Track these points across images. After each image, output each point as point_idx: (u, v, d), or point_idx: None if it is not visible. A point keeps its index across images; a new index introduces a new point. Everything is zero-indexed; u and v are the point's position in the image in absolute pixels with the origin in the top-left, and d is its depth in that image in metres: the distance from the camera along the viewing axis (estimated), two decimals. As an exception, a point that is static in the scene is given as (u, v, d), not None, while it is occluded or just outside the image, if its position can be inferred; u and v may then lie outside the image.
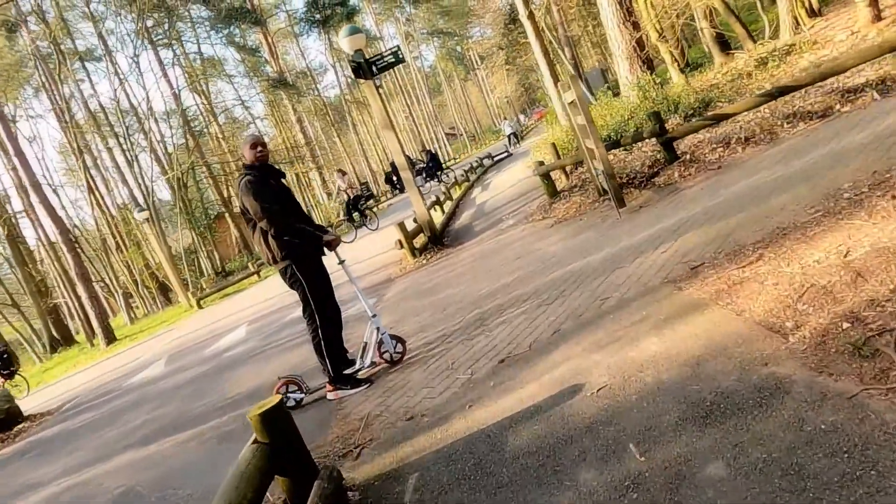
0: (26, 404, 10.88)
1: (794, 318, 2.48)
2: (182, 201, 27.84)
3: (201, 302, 18.60)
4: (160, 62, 29.73)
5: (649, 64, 12.52)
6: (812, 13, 11.42)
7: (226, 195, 30.62)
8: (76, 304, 23.88)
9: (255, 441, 2.36)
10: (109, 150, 29.97)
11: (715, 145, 6.49)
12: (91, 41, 30.43)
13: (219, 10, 33.03)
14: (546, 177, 8.72)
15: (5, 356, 13.13)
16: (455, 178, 20.28)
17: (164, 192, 33.44)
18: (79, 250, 23.81)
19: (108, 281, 31.11)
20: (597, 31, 30.22)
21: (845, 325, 2.24)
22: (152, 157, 28.88)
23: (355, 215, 15.91)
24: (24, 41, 27.00)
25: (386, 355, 4.23)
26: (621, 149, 8.10)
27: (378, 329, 4.18)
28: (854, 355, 2.06)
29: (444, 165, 28.07)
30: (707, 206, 4.75)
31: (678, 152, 6.75)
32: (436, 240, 8.96)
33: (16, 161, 20.21)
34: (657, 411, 2.26)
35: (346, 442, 3.28)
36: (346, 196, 16.24)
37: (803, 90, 6.42)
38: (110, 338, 19.09)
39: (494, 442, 2.58)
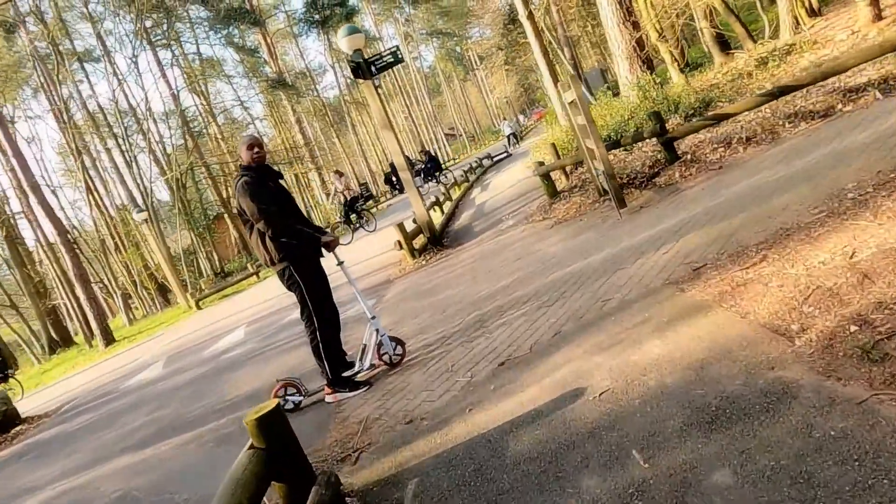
0: (24, 406, 10.83)
1: (799, 320, 2.44)
2: (181, 202, 27.78)
3: (200, 303, 18.55)
4: (159, 63, 29.67)
5: (649, 64, 12.49)
6: (812, 13, 11.39)
7: (225, 196, 30.54)
8: (75, 305, 23.83)
9: (252, 446, 2.32)
10: (108, 150, 29.87)
11: (716, 145, 6.46)
12: (90, 42, 30.40)
13: (217, 10, 32.97)
14: (546, 177, 8.68)
15: (0, 359, 13.08)
16: (454, 178, 20.24)
17: (162, 193, 33.38)
18: (77, 251, 23.77)
19: (106, 282, 31.07)
20: (596, 31, 30.17)
21: (853, 328, 2.20)
22: (151, 157, 28.85)
23: (352, 217, 15.87)
24: (22, 42, 26.97)
25: (385, 357, 4.19)
26: (621, 149, 8.07)
27: (377, 331, 4.14)
28: (863, 359, 2.02)
29: (443, 166, 28.03)
30: (708, 206, 4.71)
31: (679, 152, 6.72)
32: (435, 241, 8.92)
33: (14, 162, 20.14)
34: (661, 416, 2.22)
35: (345, 446, 3.24)
36: (342, 197, 16.19)
37: (804, 90, 6.39)
38: (109, 339, 19.05)
39: (495, 447, 2.53)
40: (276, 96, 36.88)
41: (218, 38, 35.47)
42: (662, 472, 1.93)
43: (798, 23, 11.01)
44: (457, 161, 42.07)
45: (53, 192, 32.88)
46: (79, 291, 20.20)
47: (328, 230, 4.44)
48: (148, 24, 28.20)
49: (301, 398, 4.14)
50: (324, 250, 3.97)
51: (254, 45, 38.33)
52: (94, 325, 19.37)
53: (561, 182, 9.22)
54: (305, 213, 4.25)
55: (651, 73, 11.41)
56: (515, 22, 29.42)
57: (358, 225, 15.86)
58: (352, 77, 11.66)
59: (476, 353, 3.74)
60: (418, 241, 8.90)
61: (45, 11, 26.18)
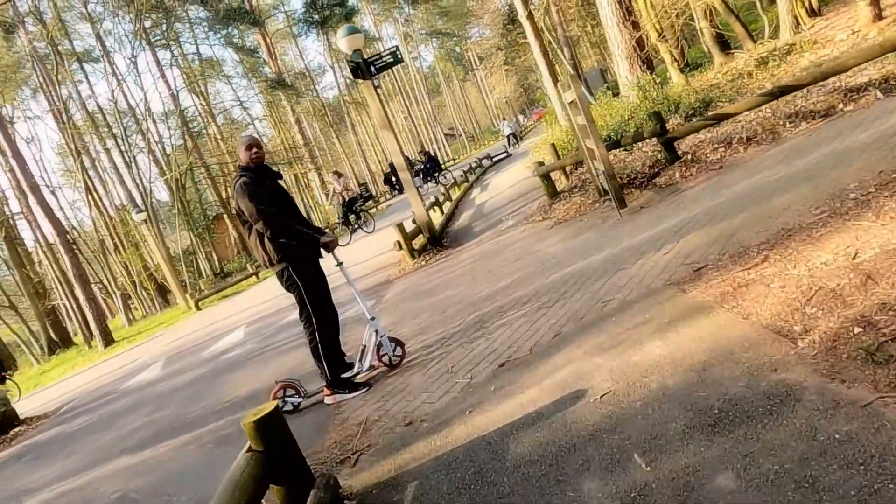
0: (23, 407, 10.79)
1: (802, 322, 2.42)
2: (180, 202, 27.75)
3: (199, 303, 18.52)
4: (158, 63, 29.63)
5: (649, 64, 12.48)
6: (812, 13, 11.37)
7: (224, 196, 30.50)
8: (74, 305, 23.81)
9: (250, 449, 2.30)
10: (107, 151, 29.83)
11: (716, 145, 6.44)
12: (89, 42, 30.36)
13: (217, 10, 32.95)
14: (546, 177, 8.66)
15: None
16: (454, 178, 20.22)
17: (162, 194, 33.40)
18: (77, 252, 23.74)
19: (106, 282, 31.03)
20: (596, 31, 30.16)
21: (857, 329, 2.18)
22: (150, 158, 28.82)
23: (351, 217, 15.84)
24: (21, 42, 26.92)
25: (385, 358, 4.17)
26: (622, 149, 8.05)
27: (377, 332, 4.12)
28: (867, 361, 2.00)
29: (443, 166, 28.01)
30: (709, 206, 4.69)
31: (679, 152, 6.70)
32: (435, 241, 8.90)
33: (13, 162, 20.13)
34: (663, 419, 2.20)
35: (344, 448, 3.22)
36: (341, 198, 16.16)
37: (805, 90, 6.37)
38: (108, 339, 19.01)
39: (495, 449, 2.51)
40: (275, 96, 36.86)
41: (217, 38, 35.50)
42: (665, 476, 1.90)
43: (798, 23, 10.99)
44: (456, 161, 42.05)
45: (53, 192, 32.93)
46: (78, 292, 20.17)
47: (327, 231, 4.42)
48: (147, 24, 28.18)
49: (300, 399, 4.12)
50: (323, 251, 3.95)
51: (253, 46, 38.32)
52: (93, 325, 19.34)
53: (561, 182, 9.21)
54: (305, 214, 4.22)
55: (651, 73, 11.39)
56: (515, 22, 29.38)
57: (357, 226, 15.83)
58: (351, 77, 11.65)
59: (476, 355, 3.72)
60: (418, 242, 8.88)
61: (44, 12, 26.18)
